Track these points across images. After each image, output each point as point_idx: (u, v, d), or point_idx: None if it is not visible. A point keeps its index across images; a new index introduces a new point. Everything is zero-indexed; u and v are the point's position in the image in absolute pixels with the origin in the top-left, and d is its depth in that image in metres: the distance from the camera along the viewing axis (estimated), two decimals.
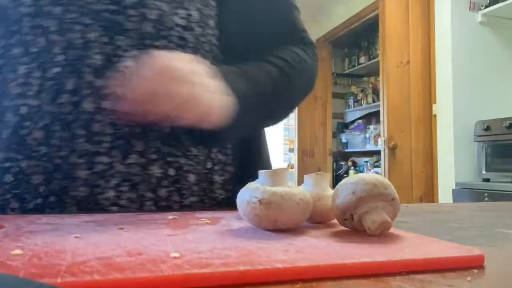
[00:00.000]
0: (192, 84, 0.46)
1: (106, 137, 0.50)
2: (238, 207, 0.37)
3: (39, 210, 0.50)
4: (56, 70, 0.50)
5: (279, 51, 0.63)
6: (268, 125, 0.64)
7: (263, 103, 0.56)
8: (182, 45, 0.56)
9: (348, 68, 4.71)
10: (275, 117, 0.63)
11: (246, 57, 0.60)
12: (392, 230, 0.35)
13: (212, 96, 0.48)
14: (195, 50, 0.57)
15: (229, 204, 0.61)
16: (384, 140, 2.95)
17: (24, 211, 0.50)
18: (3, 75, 0.51)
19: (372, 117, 4.37)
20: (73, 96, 0.50)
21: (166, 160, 0.53)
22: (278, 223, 0.35)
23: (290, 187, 0.37)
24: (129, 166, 0.51)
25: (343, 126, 4.80)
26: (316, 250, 0.28)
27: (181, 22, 0.55)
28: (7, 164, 0.51)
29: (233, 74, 0.53)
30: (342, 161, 4.69)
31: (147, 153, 0.52)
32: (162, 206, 0.53)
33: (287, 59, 0.61)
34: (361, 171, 4.36)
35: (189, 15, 0.56)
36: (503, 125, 2.25)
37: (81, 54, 0.50)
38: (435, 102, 2.80)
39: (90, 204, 0.50)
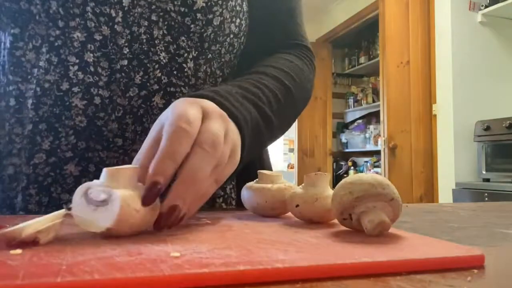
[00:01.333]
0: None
1: None
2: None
3: None
4: (123, 62, 0.51)
5: (277, 60, 0.61)
6: (272, 142, 0.61)
7: (268, 125, 0.54)
8: (229, 51, 0.59)
9: (348, 68, 4.71)
10: (278, 135, 0.61)
11: (242, 56, 0.60)
12: (392, 230, 0.35)
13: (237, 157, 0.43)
14: (236, 56, 0.61)
15: (227, 203, 0.61)
16: (384, 140, 2.95)
17: None
18: (61, 57, 0.50)
19: (372, 117, 4.37)
20: (142, 90, 0.51)
21: None
22: (112, 231, 0.31)
23: (135, 189, 0.33)
24: None
25: (343, 126, 4.81)
26: (316, 250, 0.28)
27: (235, 30, 0.58)
28: (89, 154, 0.51)
29: (240, 99, 0.49)
30: (342, 161, 4.70)
31: None
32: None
33: (286, 71, 0.60)
34: (361, 171, 4.36)
35: (241, 24, 0.60)
36: (503, 125, 2.25)
37: (146, 49, 0.52)
38: (435, 102, 2.80)
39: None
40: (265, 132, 0.53)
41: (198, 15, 0.53)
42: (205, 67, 0.58)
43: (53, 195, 0.50)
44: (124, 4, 0.51)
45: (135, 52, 0.52)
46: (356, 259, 0.26)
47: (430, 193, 2.90)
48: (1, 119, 0.52)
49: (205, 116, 0.39)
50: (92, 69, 0.50)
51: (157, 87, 0.52)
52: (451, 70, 2.57)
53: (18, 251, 0.26)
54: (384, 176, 2.82)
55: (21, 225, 0.28)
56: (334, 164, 4.64)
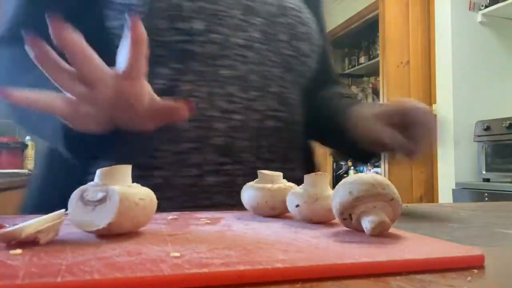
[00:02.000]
0: None
1: (281, 149, 0.66)
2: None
3: None
4: (254, 93, 0.63)
5: (338, 89, 0.81)
6: None
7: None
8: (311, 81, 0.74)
9: (348, 68, 4.71)
10: None
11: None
12: (392, 230, 0.35)
13: None
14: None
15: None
16: None
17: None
18: (211, 90, 0.60)
19: None
20: (261, 115, 0.64)
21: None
22: (113, 227, 0.31)
23: (130, 186, 0.34)
24: None
25: None
26: (316, 250, 0.28)
27: (315, 66, 0.73)
28: (224, 167, 0.61)
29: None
30: (342, 161, 4.69)
31: None
32: None
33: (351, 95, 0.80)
34: (361, 171, 4.36)
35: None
36: (503, 125, 2.24)
37: (266, 83, 0.65)
38: (435, 102, 2.80)
39: None
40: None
41: (302, 58, 0.69)
42: (295, 96, 0.71)
43: (197, 201, 0.59)
44: (259, 49, 0.65)
45: (260, 85, 0.64)
46: (356, 259, 0.26)
47: (430, 193, 2.90)
48: (148, 138, 0.58)
49: None
50: (232, 98, 0.61)
51: (271, 113, 0.65)
52: (451, 70, 2.57)
53: (18, 251, 0.26)
54: (384, 176, 2.82)
55: (21, 225, 0.28)
56: (334, 164, 4.64)
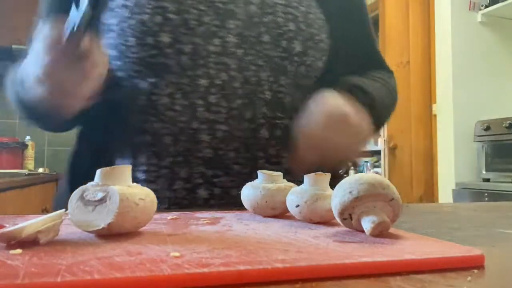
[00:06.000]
0: (362, 134, 0.58)
1: (284, 159, 0.62)
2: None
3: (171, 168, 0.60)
4: (238, 101, 0.60)
5: (373, 74, 0.74)
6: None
7: (383, 113, 0.71)
8: (319, 84, 0.66)
9: None
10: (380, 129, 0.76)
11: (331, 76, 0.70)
12: (392, 230, 0.35)
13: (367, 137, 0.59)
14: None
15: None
16: (384, 140, 2.95)
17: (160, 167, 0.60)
18: (190, 101, 0.59)
19: None
20: (251, 124, 0.61)
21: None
22: (113, 227, 0.31)
23: (130, 186, 0.34)
24: None
25: None
26: (316, 250, 0.28)
27: (321, 65, 0.68)
28: (214, 180, 0.60)
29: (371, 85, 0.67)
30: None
31: None
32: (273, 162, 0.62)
33: (386, 80, 0.74)
34: (361, 171, 4.36)
35: (326, 60, 0.69)
36: (503, 125, 2.24)
37: (254, 90, 0.61)
38: (435, 102, 2.80)
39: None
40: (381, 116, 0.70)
41: (295, 58, 0.64)
42: (299, 99, 0.66)
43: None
44: (238, 54, 0.61)
45: (246, 92, 0.61)
46: (356, 259, 0.26)
47: (430, 193, 2.90)
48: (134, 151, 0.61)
49: None
50: (214, 108, 0.60)
51: (263, 121, 0.61)
52: (451, 70, 2.57)
53: (18, 251, 0.26)
54: (384, 176, 2.82)
55: (21, 225, 0.28)
56: None
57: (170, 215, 0.44)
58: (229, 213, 0.47)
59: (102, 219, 0.31)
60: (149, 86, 0.60)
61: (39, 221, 0.29)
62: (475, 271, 0.26)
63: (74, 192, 0.33)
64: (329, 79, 0.68)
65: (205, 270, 0.23)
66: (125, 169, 0.34)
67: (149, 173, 0.59)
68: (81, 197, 0.32)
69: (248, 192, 0.46)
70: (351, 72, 0.72)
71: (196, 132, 0.59)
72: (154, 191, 0.57)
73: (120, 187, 0.32)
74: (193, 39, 0.59)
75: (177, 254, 0.26)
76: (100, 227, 0.31)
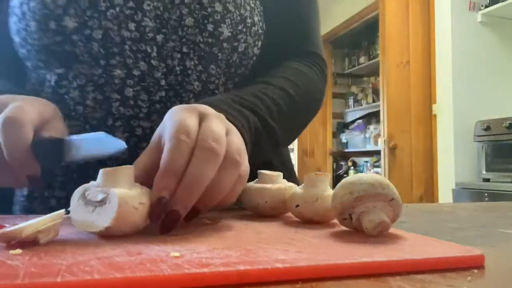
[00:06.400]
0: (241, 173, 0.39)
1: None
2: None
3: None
4: (161, 94, 0.54)
5: (284, 70, 0.62)
6: (277, 150, 0.60)
7: (270, 133, 0.54)
8: (254, 73, 0.61)
9: (348, 68, 4.71)
10: (284, 143, 0.62)
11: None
12: (392, 230, 0.35)
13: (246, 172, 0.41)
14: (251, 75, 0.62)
15: None
16: (384, 140, 2.95)
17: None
18: (105, 94, 0.53)
19: (372, 117, 4.37)
20: None
21: None
22: (111, 229, 0.31)
23: (132, 188, 0.33)
24: None
25: (343, 126, 4.81)
26: (316, 250, 0.28)
27: (257, 52, 0.61)
28: None
29: (237, 107, 0.50)
30: (342, 161, 4.70)
31: None
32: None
33: (292, 80, 0.61)
34: (361, 171, 4.36)
35: (263, 45, 0.61)
36: (503, 125, 2.25)
37: (180, 80, 0.55)
38: (435, 102, 2.80)
39: None
40: (266, 139, 0.53)
41: (225, 44, 0.56)
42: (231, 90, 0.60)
43: None
44: (158, 40, 0.54)
45: (171, 83, 0.54)
46: (356, 259, 0.26)
47: (430, 193, 2.90)
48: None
49: (202, 119, 0.39)
50: (132, 102, 0.53)
51: None
52: (451, 70, 2.57)
53: (18, 251, 0.26)
54: (384, 176, 2.82)
55: (21, 225, 0.28)
56: (334, 164, 4.64)
57: None
58: (229, 213, 0.47)
59: (101, 221, 0.31)
60: (55, 77, 0.54)
61: (39, 221, 0.29)
62: (475, 271, 0.26)
63: (77, 189, 0.33)
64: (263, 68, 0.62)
65: (205, 270, 0.23)
66: (127, 170, 0.34)
67: (63, 176, 0.54)
68: (83, 196, 0.32)
69: (248, 192, 0.46)
70: (271, 61, 0.63)
71: (110, 130, 0.53)
72: (57, 198, 0.53)
73: (121, 190, 0.32)
74: (104, 24, 0.52)
75: (177, 254, 0.26)
76: (98, 230, 0.31)
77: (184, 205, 0.34)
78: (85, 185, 0.33)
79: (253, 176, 0.48)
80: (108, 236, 0.32)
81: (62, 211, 0.31)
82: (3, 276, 0.21)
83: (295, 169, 0.75)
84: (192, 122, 0.38)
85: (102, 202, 0.32)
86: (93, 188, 0.33)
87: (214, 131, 0.37)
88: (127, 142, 0.50)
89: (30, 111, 0.42)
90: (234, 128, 0.43)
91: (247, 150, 0.43)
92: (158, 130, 0.40)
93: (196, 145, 0.36)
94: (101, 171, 0.33)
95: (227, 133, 0.40)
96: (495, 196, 2.16)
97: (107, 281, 0.21)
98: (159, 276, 0.22)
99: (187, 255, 0.26)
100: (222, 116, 0.42)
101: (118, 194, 0.31)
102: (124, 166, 0.34)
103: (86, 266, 0.23)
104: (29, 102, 0.44)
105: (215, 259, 0.25)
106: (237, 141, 0.40)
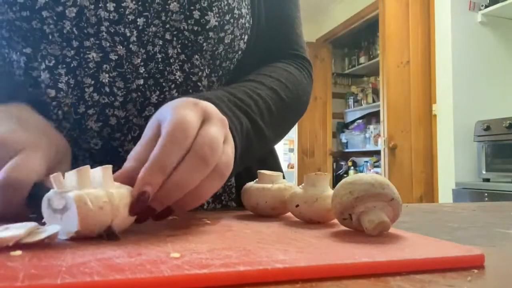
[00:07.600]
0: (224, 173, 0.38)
1: None
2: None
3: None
4: (139, 82, 0.51)
5: (275, 70, 0.61)
6: (261, 153, 0.59)
7: (260, 137, 0.53)
8: (239, 67, 0.60)
9: (348, 68, 4.72)
10: (269, 146, 0.61)
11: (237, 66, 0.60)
12: (392, 230, 0.35)
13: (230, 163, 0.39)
14: (238, 70, 0.60)
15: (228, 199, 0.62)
16: (384, 140, 2.95)
17: None
18: (77, 78, 0.49)
19: (372, 117, 4.37)
20: (157, 110, 0.50)
21: None
22: (81, 232, 0.30)
23: (94, 189, 0.31)
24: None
25: (343, 126, 4.81)
26: (316, 250, 0.28)
27: (243, 46, 0.59)
28: None
29: (232, 108, 0.49)
30: (342, 161, 4.70)
31: None
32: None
33: (284, 82, 0.59)
34: (361, 171, 4.36)
35: (250, 39, 0.60)
36: (503, 125, 2.25)
37: (161, 69, 0.52)
38: (435, 102, 2.80)
39: None
40: (256, 143, 0.52)
41: (211, 33, 0.53)
42: (217, 84, 0.58)
43: None
44: (138, 24, 0.50)
45: (151, 71, 0.51)
46: (356, 259, 0.26)
47: (430, 193, 2.90)
48: None
49: (205, 119, 0.38)
50: (107, 89, 0.50)
51: None
52: (451, 70, 2.57)
53: (18, 252, 0.26)
54: (384, 176, 2.82)
55: (21, 224, 0.28)
56: (334, 164, 4.64)
57: (169, 216, 0.43)
58: (229, 213, 0.47)
59: (70, 227, 0.30)
60: (24, 58, 0.50)
61: (22, 230, 0.28)
62: (475, 271, 0.26)
63: (43, 199, 0.32)
64: (248, 65, 0.60)
65: (205, 271, 0.23)
66: (87, 170, 0.32)
67: None
68: (49, 205, 0.32)
69: (248, 192, 0.46)
70: (260, 60, 0.63)
71: (82, 118, 0.49)
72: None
73: (79, 192, 0.30)
74: (79, 1, 0.48)
75: (177, 255, 0.26)
76: (69, 236, 0.31)
77: (161, 204, 0.34)
78: (48, 195, 0.32)
79: (251, 176, 0.48)
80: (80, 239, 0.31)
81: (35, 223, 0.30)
82: (2, 277, 0.21)
83: (295, 169, 0.75)
84: (193, 121, 0.36)
85: (64, 209, 0.31)
86: (54, 196, 0.31)
87: (213, 137, 0.36)
88: (100, 132, 0.49)
89: (36, 163, 0.39)
90: (231, 136, 0.42)
91: (236, 155, 0.43)
92: (157, 117, 0.38)
93: (191, 148, 0.35)
94: (66, 173, 0.32)
95: (224, 141, 0.39)
96: (495, 196, 2.16)
97: (107, 283, 0.21)
98: (159, 278, 0.22)
99: (187, 256, 0.26)
100: (225, 121, 0.41)
101: (75, 197, 0.30)
102: (86, 166, 0.32)
103: (86, 268, 0.23)
104: (39, 145, 0.41)
105: (215, 260, 0.25)
106: (230, 154, 0.39)
